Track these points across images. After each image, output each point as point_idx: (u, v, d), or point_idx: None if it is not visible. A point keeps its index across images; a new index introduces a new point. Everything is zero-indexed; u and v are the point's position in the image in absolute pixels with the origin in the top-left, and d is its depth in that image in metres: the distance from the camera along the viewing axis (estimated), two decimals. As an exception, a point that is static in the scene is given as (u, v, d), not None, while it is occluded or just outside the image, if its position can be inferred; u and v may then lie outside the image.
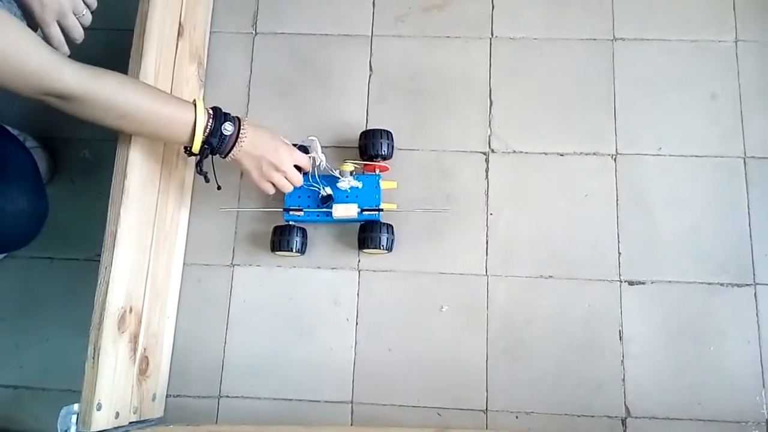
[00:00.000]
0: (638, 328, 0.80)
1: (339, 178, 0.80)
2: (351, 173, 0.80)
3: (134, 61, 0.72)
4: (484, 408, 0.78)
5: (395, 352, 0.80)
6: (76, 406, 0.63)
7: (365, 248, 0.81)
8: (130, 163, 0.69)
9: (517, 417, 0.78)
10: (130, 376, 0.72)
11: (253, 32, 0.91)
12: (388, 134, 0.82)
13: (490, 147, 0.85)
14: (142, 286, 0.74)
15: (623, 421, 0.77)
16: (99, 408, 0.65)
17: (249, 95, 0.88)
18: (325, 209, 0.80)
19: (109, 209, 0.68)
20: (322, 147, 0.78)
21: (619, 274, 0.81)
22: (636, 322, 0.80)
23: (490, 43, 0.88)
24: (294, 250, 0.80)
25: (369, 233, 0.80)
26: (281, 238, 0.80)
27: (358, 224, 0.82)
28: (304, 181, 0.78)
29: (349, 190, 0.80)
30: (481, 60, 0.88)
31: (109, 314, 0.66)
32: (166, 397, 0.80)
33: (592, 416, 0.77)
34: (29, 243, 0.72)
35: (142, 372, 0.75)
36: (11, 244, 0.74)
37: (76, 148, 0.90)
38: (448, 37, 0.89)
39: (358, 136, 0.83)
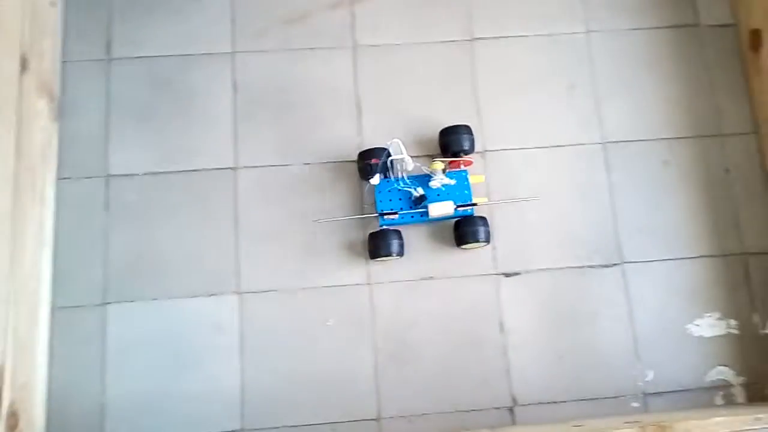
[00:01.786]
0: (517, 318, 0.82)
1: (430, 176, 0.80)
2: (443, 171, 0.80)
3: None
4: (377, 416, 0.79)
5: (283, 373, 0.79)
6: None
7: (465, 244, 0.80)
8: (-32, 212, 0.66)
9: (410, 421, 0.79)
10: (-4, 435, 0.68)
11: (108, 59, 0.87)
12: (468, 129, 0.82)
13: (361, 155, 0.86)
14: (2, 339, 0.70)
15: (511, 410, 0.80)
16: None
17: (107, 124, 0.85)
18: (419, 209, 0.80)
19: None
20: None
21: (496, 267, 0.83)
22: (515, 312, 0.82)
23: (354, 52, 0.89)
24: (394, 254, 0.79)
25: (468, 228, 0.80)
26: (380, 244, 0.79)
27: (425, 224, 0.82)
28: (395, 183, 0.79)
29: (443, 188, 0.80)
30: (346, 69, 0.88)
31: (-43, 376, 0.63)
32: (46, 448, 0.77)
33: (482, 409, 0.79)
34: None
35: (12, 428, 0.71)
36: None
37: None
38: (312, 48, 0.88)
39: (438, 134, 0.83)
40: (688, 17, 0.91)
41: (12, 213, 0.73)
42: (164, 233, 0.82)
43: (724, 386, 0.81)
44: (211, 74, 0.87)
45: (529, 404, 0.80)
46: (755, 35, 0.87)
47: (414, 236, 0.83)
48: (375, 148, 0.81)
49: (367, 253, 0.81)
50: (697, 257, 0.84)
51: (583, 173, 0.86)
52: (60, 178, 0.83)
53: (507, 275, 0.83)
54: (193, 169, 0.84)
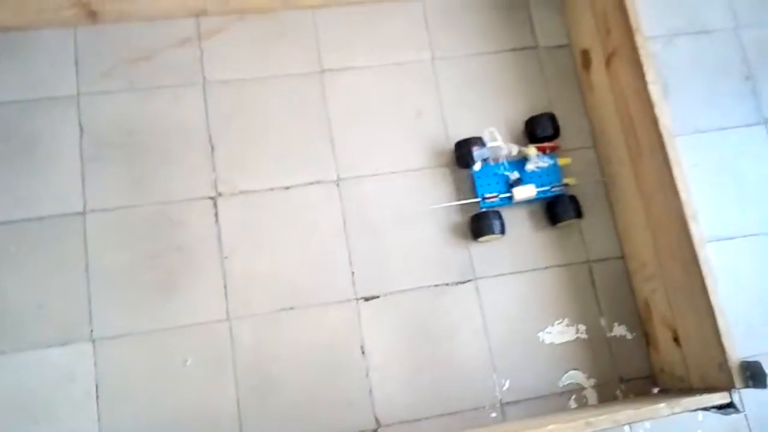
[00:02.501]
0: (378, 340, 0.84)
1: (526, 160, 0.89)
2: (537, 156, 0.87)
3: None
4: (241, 451, 0.80)
5: (143, 418, 0.78)
6: None
7: (559, 222, 0.89)
8: None
9: (275, 452, 0.80)
10: None
11: (-57, 107, 0.85)
12: (551, 116, 0.91)
13: (217, 191, 0.86)
14: None
15: (375, 432, 0.82)
16: None
17: (-56, 177, 0.82)
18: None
19: None
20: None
21: (355, 293, 0.85)
22: (375, 335, 0.84)
23: (204, 89, 0.89)
24: (497, 232, 0.85)
25: (562, 207, 0.88)
26: (483, 224, 0.85)
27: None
28: (495, 168, 0.89)
29: (537, 170, 0.88)
30: (196, 106, 0.88)
31: None
32: None
33: (346, 433, 0.82)
34: None
35: None
36: None
37: None
38: (159, 87, 0.88)
39: (524, 123, 0.92)
40: (527, 40, 0.97)
41: None
42: (12, 284, 0.80)
43: (577, 390, 0.86)
44: (55, 118, 0.85)
45: (393, 424, 0.82)
46: (585, 55, 0.93)
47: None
48: (471, 137, 0.88)
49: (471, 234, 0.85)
50: (546, 268, 0.89)
51: (433, 194, 0.89)
52: None
53: (366, 299, 0.86)
54: (41, 216, 0.82)
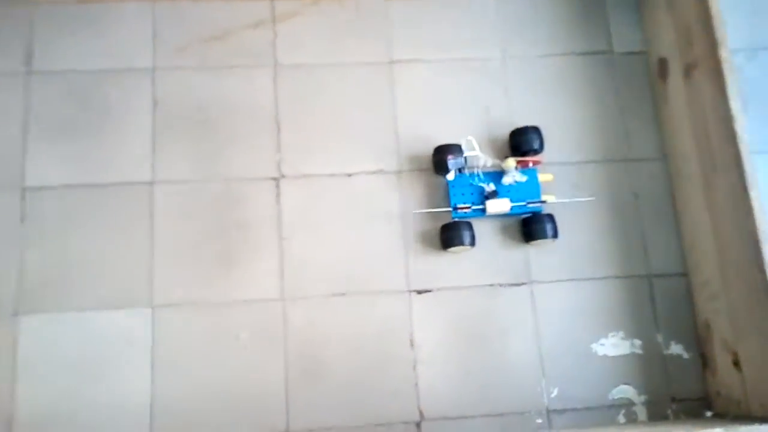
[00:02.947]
0: (427, 334, 0.84)
1: (503, 174, 0.85)
2: (516, 168, 0.85)
3: None
4: (286, 429, 0.80)
5: (194, 387, 0.80)
6: None
7: (533, 240, 0.85)
8: None
9: (318, 435, 0.81)
10: None
11: (28, 71, 0.87)
12: (537, 130, 0.86)
13: (280, 172, 0.87)
14: None
15: (418, 425, 0.81)
16: None
17: (26, 137, 0.85)
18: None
19: None
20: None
21: (408, 285, 0.85)
22: (425, 328, 0.84)
23: (274, 71, 0.90)
24: (466, 244, 0.83)
25: (536, 225, 0.84)
26: (452, 234, 0.83)
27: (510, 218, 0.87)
28: (470, 179, 0.84)
29: (515, 184, 0.85)
30: (265, 88, 0.89)
31: None
32: (-51, 463, 0.77)
33: (389, 423, 0.81)
34: None
35: None
36: None
37: None
38: (232, 66, 0.90)
39: (509, 135, 0.87)
40: (601, 44, 0.95)
41: None
42: (80, 246, 0.83)
43: (627, 404, 0.84)
44: (130, 89, 0.88)
45: (436, 418, 0.82)
46: (663, 64, 0.90)
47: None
48: (450, 144, 0.85)
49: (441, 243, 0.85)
50: (604, 278, 0.87)
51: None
52: (-27, 190, 0.83)
53: (419, 292, 0.85)
54: (110, 182, 0.85)
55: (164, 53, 0.89)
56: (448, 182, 0.87)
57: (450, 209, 0.86)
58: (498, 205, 0.85)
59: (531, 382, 0.84)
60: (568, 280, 0.87)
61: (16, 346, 0.80)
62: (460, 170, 0.86)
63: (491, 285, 0.86)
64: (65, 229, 0.83)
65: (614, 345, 0.85)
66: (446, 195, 0.87)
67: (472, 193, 0.87)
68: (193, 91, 0.89)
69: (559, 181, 0.89)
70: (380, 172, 0.88)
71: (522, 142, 0.88)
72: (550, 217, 0.86)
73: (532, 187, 0.87)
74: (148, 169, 0.85)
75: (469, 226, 0.85)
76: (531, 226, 0.86)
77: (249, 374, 0.81)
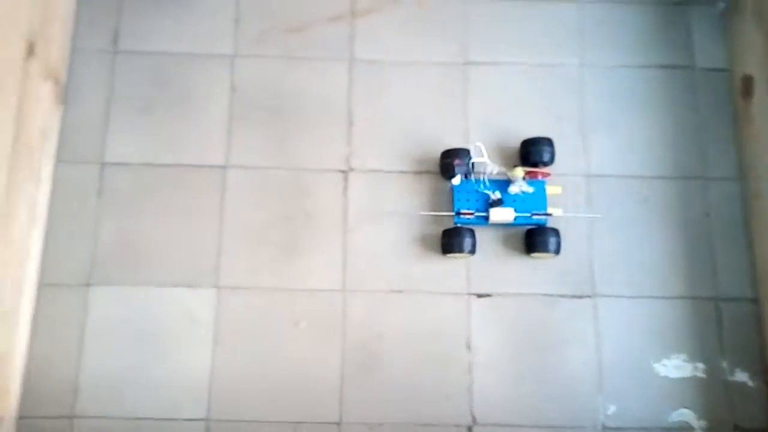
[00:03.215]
0: (485, 338, 0.83)
1: (509, 182, 0.83)
2: (523, 178, 0.83)
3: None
4: (338, 420, 0.80)
5: (252, 369, 0.82)
6: None
7: (534, 252, 0.83)
8: (-39, 186, 0.69)
9: (369, 428, 0.80)
10: (-32, 401, 0.71)
11: (115, 51, 0.91)
12: (549, 141, 0.85)
13: (349, 165, 0.88)
14: (-18, 309, 0.73)
15: (469, 429, 0.81)
16: None
17: (109, 114, 0.88)
18: (484, 213, 0.83)
19: (-64, 233, 0.67)
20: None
21: (468, 288, 0.85)
22: (483, 333, 0.83)
23: (350, 65, 0.91)
24: (466, 251, 0.82)
25: (538, 237, 0.82)
26: (453, 241, 0.82)
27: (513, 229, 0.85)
28: (475, 185, 0.83)
29: (521, 194, 0.83)
30: (340, 81, 0.90)
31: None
32: (18, 419, 0.79)
33: (441, 425, 0.81)
34: None
35: (-15, 396, 0.74)
36: None
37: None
38: (310, 58, 0.91)
39: (520, 144, 0.86)
40: (683, 59, 0.93)
41: (6, 189, 0.77)
42: (152, 223, 0.85)
43: (685, 429, 0.81)
44: (210, 74, 0.90)
45: (488, 424, 0.81)
46: (747, 82, 0.88)
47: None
48: (459, 148, 0.84)
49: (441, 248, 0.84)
50: (670, 298, 0.85)
51: (563, 203, 0.87)
52: (58, 161, 0.86)
53: (479, 296, 0.85)
54: (185, 164, 0.87)
55: (245, 41, 0.91)
56: (452, 186, 0.85)
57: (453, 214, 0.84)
58: (501, 214, 0.83)
59: (587, 397, 0.82)
60: (632, 296, 0.85)
61: (86, 315, 0.82)
62: (466, 176, 0.85)
63: (552, 295, 0.85)
64: (139, 206, 0.86)
65: (676, 367, 0.83)
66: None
67: (477, 200, 0.85)
68: (270, 80, 0.90)
69: (626, 194, 0.88)
70: (448, 172, 0.88)
71: (532, 153, 0.86)
72: (555, 231, 0.84)
73: (539, 199, 0.85)
74: (222, 153, 0.87)
75: (471, 233, 0.83)
76: (533, 239, 0.84)
77: (305, 362, 0.82)
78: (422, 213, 0.85)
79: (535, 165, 0.85)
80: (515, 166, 0.85)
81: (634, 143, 0.89)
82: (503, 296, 0.84)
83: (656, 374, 0.83)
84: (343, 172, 0.88)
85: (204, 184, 0.86)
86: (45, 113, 0.84)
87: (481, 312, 0.84)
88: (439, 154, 0.86)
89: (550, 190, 0.85)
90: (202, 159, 0.87)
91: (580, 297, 0.85)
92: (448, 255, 0.83)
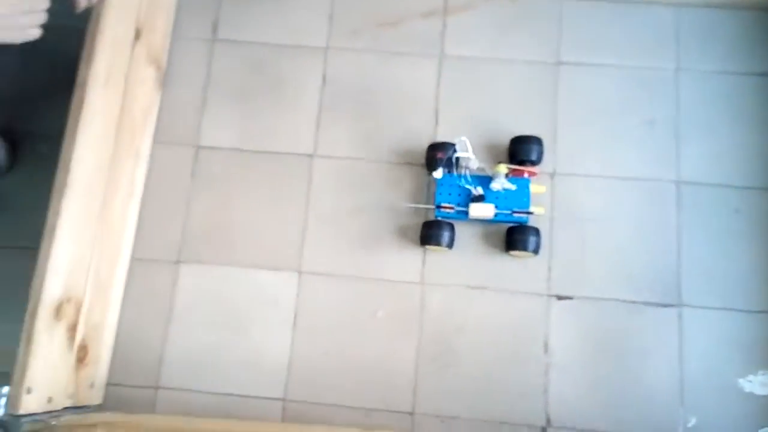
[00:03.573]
0: (564, 341, 0.82)
1: (492, 178, 0.83)
2: (506, 175, 0.83)
3: (85, 61, 0.75)
4: (411, 411, 0.81)
5: (329, 353, 0.83)
6: (5, 389, 0.66)
7: (513, 250, 0.84)
8: (75, 158, 0.73)
9: (442, 421, 0.81)
10: (67, 364, 0.75)
11: (213, 39, 0.94)
12: (538, 140, 0.86)
13: (433, 160, 0.89)
14: (83, 277, 0.77)
15: (543, 430, 0.80)
16: (29, 391, 0.68)
17: (205, 99, 0.91)
18: (462, 208, 0.84)
19: (51, 203, 0.71)
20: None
21: (549, 289, 0.84)
22: (562, 335, 0.83)
23: (439, 61, 0.92)
24: (443, 245, 0.83)
25: (518, 236, 0.83)
26: (431, 233, 0.83)
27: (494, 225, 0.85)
28: (457, 180, 0.84)
29: (503, 191, 0.84)
30: (429, 77, 0.91)
31: (45, 303, 0.69)
32: (106, 385, 0.83)
33: (514, 424, 0.80)
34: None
35: (80, 360, 0.78)
36: None
37: (35, 142, 0.93)
38: (400, 53, 0.92)
39: (509, 142, 0.87)
40: (785, 67, 0.90)
41: (110, 164, 0.81)
42: (240, 206, 0.88)
43: (770, 449, 0.79)
44: (303, 65, 0.92)
45: (563, 427, 0.80)
46: None
47: (469, 235, 0.85)
48: (445, 142, 0.84)
49: (419, 239, 0.84)
50: (759, 312, 0.82)
51: (652, 209, 0.85)
52: (156, 142, 0.90)
53: (559, 297, 0.84)
54: (275, 151, 0.89)
55: (338, 34, 0.93)
56: (435, 180, 0.85)
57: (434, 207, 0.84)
58: (481, 210, 0.82)
59: (667, 408, 0.80)
60: (720, 308, 0.82)
61: (174, 291, 0.86)
62: (448, 170, 0.84)
63: (636, 302, 0.83)
64: (229, 189, 0.89)
65: (763, 384, 0.80)
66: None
67: (459, 194, 0.84)
68: (360, 73, 0.92)
69: (717, 203, 0.85)
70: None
71: (519, 151, 0.85)
72: (535, 231, 0.83)
73: (522, 197, 0.84)
74: (310, 142, 0.89)
75: (450, 227, 0.83)
76: (512, 236, 0.83)
77: (382, 351, 0.83)
78: (408, 206, 0.86)
79: (521, 163, 0.85)
80: (499, 162, 0.84)
81: (728, 152, 0.87)
82: (585, 300, 0.84)
83: (741, 390, 0.80)
84: (425, 166, 0.88)
85: (291, 171, 0.89)
86: (147, 95, 0.88)
87: (561, 314, 0.83)
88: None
89: (535, 188, 0.84)
90: (291, 147, 0.89)
91: (664, 306, 0.83)
92: (427, 247, 0.84)
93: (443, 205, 0.84)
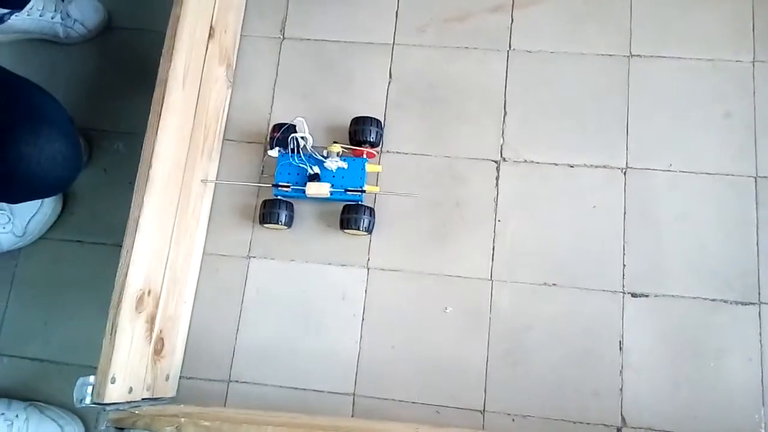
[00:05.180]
0: (639, 339, 0.81)
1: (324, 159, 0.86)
2: (338, 154, 0.85)
3: (165, 60, 0.77)
4: (482, 409, 0.80)
5: (398, 349, 0.83)
6: (91, 378, 0.68)
7: (346, 228, 0.85)
8: (155, 154, 0.74)
9: (513, 419, 0.80)
10: (145, 355, 0.77)
11: (281, 37, 0.95)
12: (377, 122, 0.88)
13: (502, 156, 0.88)
14: (161, 271, 0.79)
15: (619, 430, 0.78)
16: (113, 381, 0.69)
17: (274, 97, 0.93)
18: (301, 187, 0.86)
19: (133, 197, 0.73)
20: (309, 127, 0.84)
21: (623, 286, 0.82)
22: (637, 333, 0.81)
23: (508, 56, 0.91)
24: (280, 223, 0.86)
25: (351, 214, 0.85)
26: (269, 211, 0.86)
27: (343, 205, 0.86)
28: (295, 159, 0.86)
29: (335, 171, 0.85)
30: (497, 71, 0.91)
31: (128, 295, 0.71)
32: (180, 378, 0.85)
33: (588, 423, 0.79)
34: (65, 188, 0.80)
35: (157, 352, 0.80)
36: (49, 187, 0.79)
37: (111, 140, 0.95)
38: (467, 48, 0.92)
39: (349, 123, 0.89)
40: None
41: (186, 162, 0.82)
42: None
43: None
44: (370, 62, 0.93)
45: (639, 427, 0.78)
46: None
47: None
48: (285, 123, 0.86)
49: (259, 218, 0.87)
50: None
51: (729, 204, 0.83)
52: (226, 139, 0.92)
53: (634, 295, 0.82)
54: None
55: (405, 31, 0.94)
56: (276, 159, 0.86)
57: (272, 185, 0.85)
58: (317, 189, 0.83)
59: (746, 410, 0.77)
60: (804, 307, 0.80)
61: (245, 285, 0.87)
62: (292, 149, 0.85)
63: (715, 300, 0.81)
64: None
65: None
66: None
67: (298, 173, 0.85)
68: (427, 69, 0.92)
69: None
70: (604, 167, 0.86)
71: (357, 132, 0.86)
72: (369, 210, 0.84)
73: (357, 177, 0.84)
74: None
75: (288, 205, 0.85)
76: (345, 215, 0.84)
77: (451, 347, 0.82)
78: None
79: (360, 144, 0.86)
80: (334, 142, 0.85)
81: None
82: (661, 298, 0.82)
83: (827, 393, 0.78)
84: (495, 161, 0.88)
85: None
86: (219, 93, 0.90)
87: (636, 312, 0.81)
88: (592, 149, 0.85)
89: (371, 168, 0.86)
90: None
91: (744, 304, 0.81)
92: (265, 226, 0.86)
93: (281, 183, 0.85)
